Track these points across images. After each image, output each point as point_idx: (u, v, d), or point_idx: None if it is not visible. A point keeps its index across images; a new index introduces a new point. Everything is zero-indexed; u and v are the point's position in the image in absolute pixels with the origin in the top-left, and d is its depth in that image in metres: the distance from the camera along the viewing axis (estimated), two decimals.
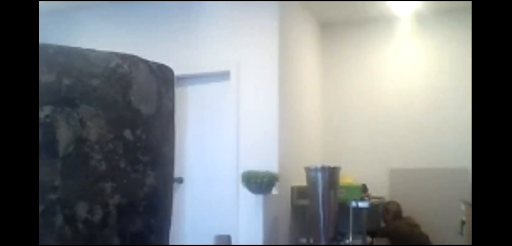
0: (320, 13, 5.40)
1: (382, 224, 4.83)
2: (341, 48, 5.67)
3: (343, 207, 4.48)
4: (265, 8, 4.61)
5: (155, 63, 1.40)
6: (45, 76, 1.19)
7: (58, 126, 1.19)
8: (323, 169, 4.31)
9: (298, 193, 4.69)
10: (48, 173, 1.17)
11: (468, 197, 3.76)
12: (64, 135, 1.19)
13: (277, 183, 4.30)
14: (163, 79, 1.41)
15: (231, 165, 4.57)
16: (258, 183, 4.13)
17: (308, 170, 4.38)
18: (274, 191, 4.32)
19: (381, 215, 4.77)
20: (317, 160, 5.00)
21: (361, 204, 4.58)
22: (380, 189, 5.10)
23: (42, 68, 1.19)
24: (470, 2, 1.54)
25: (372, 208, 4.84)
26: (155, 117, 1.36)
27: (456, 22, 5.05)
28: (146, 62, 1.37)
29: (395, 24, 5.38)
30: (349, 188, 4.61)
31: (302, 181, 4.47)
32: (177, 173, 4.14)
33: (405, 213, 4.80)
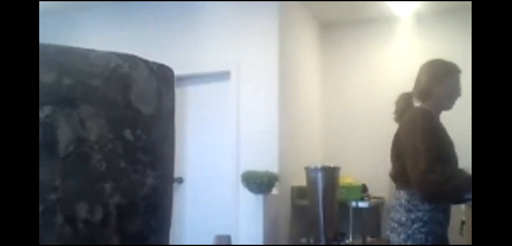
0: (320, 13, 5.40)
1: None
2: (341, 48, 5.67)
3: (343, 207, 4.48)
4: (265, 8, 4.61)
5: (155, 63, 1.40)
6: (45, 76, 1.19)
7: (58, 126, 1.19)
8: (323, 169, 4.32)
9: (298, 193, 4.69)
10: (48, 173, 1.17)
11: None
12: (64, 135, 1.19)
13: (277, 183, 4.30)
14: (163, 79, 1.41)
15: (231, 165, 4.57)
16: (258, 183, 4.13)
17: (308, 170, 4.38)
18: (274, 191, 4.32)
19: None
20: (317, 160, 5.00)
21: (361, 204, 4.59)
22: (380, 189, 5.10)
23: (42, 68, 1.19)
24: (470, 2, 1.54)
25: (372, 208, 4.84)
26: (155, 117, 1.36)
27: (456, 22, 5.05)
28: (146, 62, 1.37)
29: (395, 24, 5.38)
30: (349, 188, 4.61)
31: (302, 181, 4.47)
32: (177, 173, 4.14)
33: None
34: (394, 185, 2.41)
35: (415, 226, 2.20)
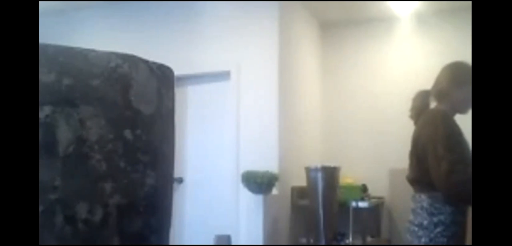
0: (320, 13, 5.40)
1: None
2: (341, 48, 5.67)
3: (343, 207, 4.48)
4: (265, 8, 4.61)
5: (155, 63, 1.40)
6: (45, 76, 1.19)
7: (58, 126, 1.19)
8: (323, 169, 4.32)
9: (298, 193, 4.69)
10: (48, 173, 1.17)
11: None
12: (64, 135, 1.19)
13: (277, 183, 4.30)
14: (163, 79, 1.41)
15: (231, 165, 4.57)
16: (258, 183, 4.13)
17: (308, 170, 4.38)
18: (274, 191, 4.32)
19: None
20: (317, 160, 5.00)
21: (361, 204, 4.59)
22: (380, 189, 5.10)
23: (42, 68, 1.19)
24: (470, 2, 1.54)
25: (372, 208, 4.84)
26: (155, 117, 1.36)
27: (456, 22, 5.05)
28: (146, 62, 1.37)
29: (395, 24, 5.38)
30: (349, 188, 4.61)
31: (302, 181, 4.47)
32: (177, 173, 4.14)
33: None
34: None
35: (438, 229, 2.17)
